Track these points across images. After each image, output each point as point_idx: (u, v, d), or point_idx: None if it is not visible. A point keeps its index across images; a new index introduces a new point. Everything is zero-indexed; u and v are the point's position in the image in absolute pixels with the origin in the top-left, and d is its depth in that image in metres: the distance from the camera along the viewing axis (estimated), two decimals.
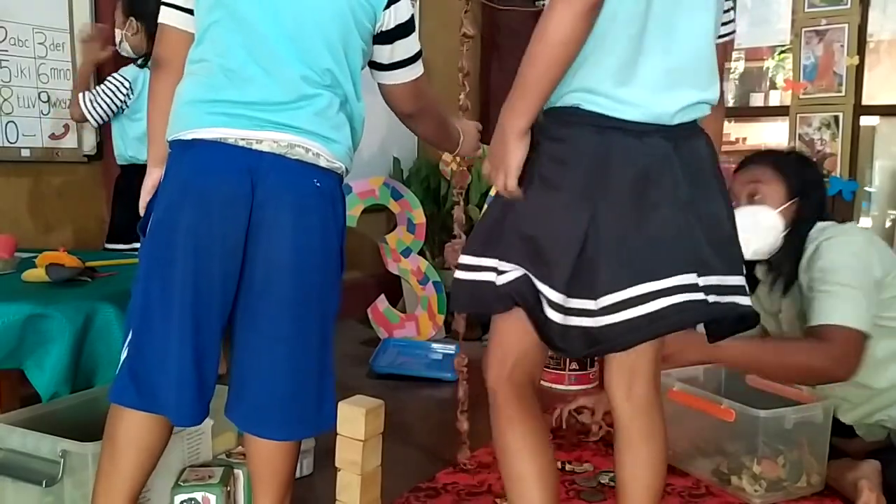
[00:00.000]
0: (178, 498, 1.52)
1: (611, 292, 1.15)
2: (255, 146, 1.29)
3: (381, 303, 3.40)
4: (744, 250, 1.80)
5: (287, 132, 1.30)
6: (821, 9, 3.50)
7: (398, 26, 1.43)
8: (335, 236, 1.37)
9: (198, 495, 1.52)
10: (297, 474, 1.87)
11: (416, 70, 1.51)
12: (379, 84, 1.52)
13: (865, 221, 3.72)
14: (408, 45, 1.47)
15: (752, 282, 1.92)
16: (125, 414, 1.31)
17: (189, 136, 1.29)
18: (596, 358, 2.73)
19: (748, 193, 1.88)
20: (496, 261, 1.23)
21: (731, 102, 4.20)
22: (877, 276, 1.76)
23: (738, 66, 4.18)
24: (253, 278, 1.31)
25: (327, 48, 1.33)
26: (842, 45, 3.46)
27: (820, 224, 1.85)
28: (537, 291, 1.19)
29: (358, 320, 3.49)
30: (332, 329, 1.40)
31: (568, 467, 1.95)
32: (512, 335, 1.28)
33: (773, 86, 4.02)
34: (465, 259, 1.28)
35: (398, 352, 3.06)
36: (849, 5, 3.43)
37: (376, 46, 1.44)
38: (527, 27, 3.83)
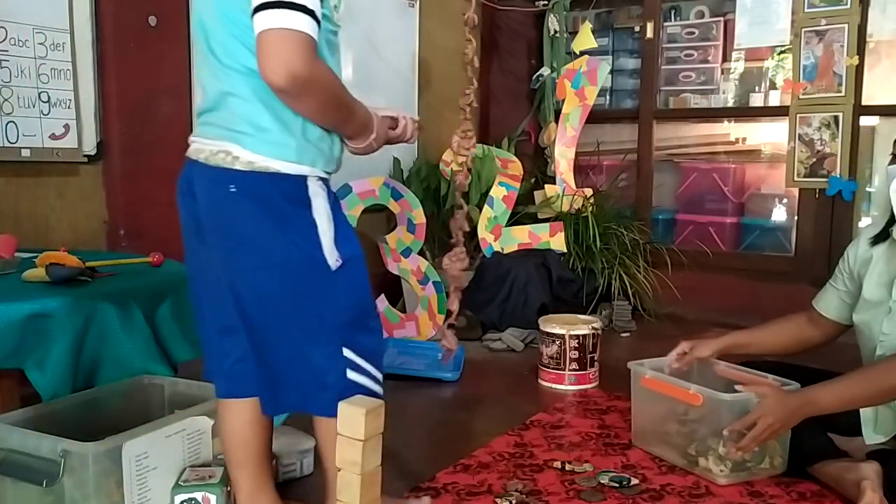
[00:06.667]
0: (179, 498, 1.52)
1: None
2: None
3: (381, 303, 3.39)
4: None
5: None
6: (821, 9, 3.51)
7: None
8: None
9: (198, 495, 1.52)
10: (298, 474, 1.88)
11: (270, 19, 1.18)
12: None
13: (865, 221, 3.72)
14: None
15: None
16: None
17: None
18: (596, 358, 2.74)
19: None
20: None
21: (730, 102, 4.20)
22: None
23: (737, 66, 4.18)
24: None
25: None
26: (841, 45, 3.46)
27: None
28: None
29: None
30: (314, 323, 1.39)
31: (568, 467, 1.95)
32: None
33: (773, 86, 4.02)
34: None
35: (398, 352, 3.06)
36: (849, 5, 3.43)
37: None
38: (527, 27, 3.84)
